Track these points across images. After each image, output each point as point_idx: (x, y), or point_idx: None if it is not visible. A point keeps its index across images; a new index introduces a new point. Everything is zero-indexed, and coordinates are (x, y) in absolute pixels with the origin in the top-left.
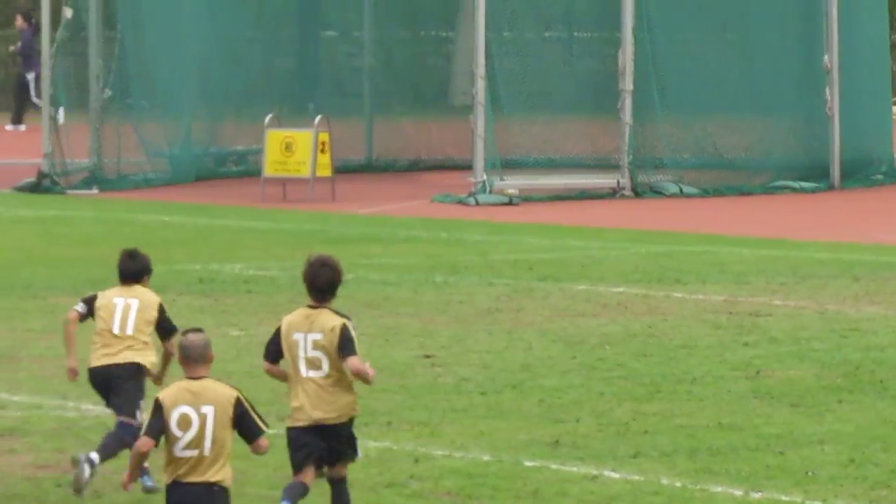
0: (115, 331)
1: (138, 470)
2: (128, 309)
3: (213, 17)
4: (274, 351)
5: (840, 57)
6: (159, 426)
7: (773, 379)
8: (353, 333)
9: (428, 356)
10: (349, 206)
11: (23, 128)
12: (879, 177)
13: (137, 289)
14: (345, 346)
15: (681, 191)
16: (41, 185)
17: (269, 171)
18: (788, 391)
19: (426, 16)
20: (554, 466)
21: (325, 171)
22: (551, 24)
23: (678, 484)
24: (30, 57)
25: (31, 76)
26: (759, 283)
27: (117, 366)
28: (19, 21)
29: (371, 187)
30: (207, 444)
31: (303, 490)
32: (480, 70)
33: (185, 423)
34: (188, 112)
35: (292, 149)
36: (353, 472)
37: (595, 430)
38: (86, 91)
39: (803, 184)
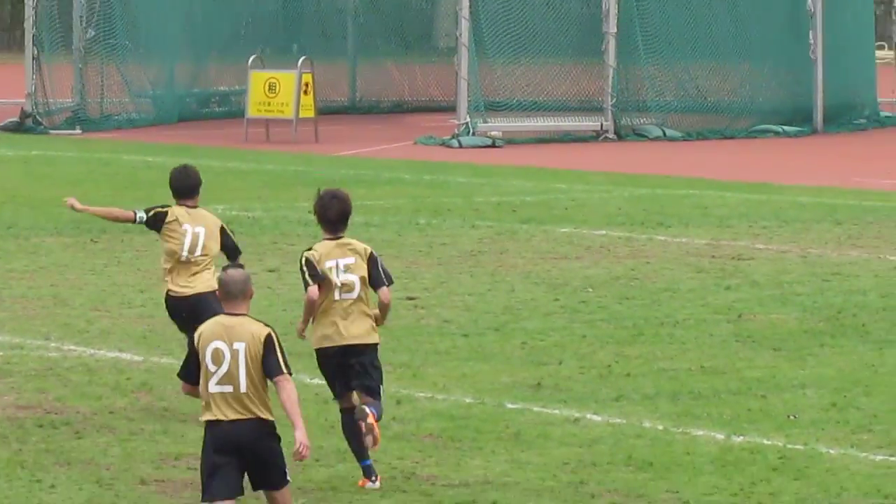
0: (183, 255)
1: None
2: (196, 237)
3: None
4: (317, 273)
5: (824, 1)
6: (195, 367)
7: (756, 323)
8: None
9: (411, 298)
10: (332, 148)
11: None
12: (862, 121)
13: (201, 214)
14: (379, 274)
15: (664, 134)
16: (24, 125)
17: (252, 112)
18: (771, 335)
19: None
20: (536, 409)
21: (308, 113)
22: None
23: (660, 427)
24: None
25: None
26: (741, 226)
27: (205, 293)
28: None
29: (354, 129)
30: (241, 380)
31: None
32: (465, 11)
33: (217, 357)
34: (172, 52)
35: (276, 90)
36: (334, 415)
37: (577, 373)
38: (69, 31)
39: (786, 128)
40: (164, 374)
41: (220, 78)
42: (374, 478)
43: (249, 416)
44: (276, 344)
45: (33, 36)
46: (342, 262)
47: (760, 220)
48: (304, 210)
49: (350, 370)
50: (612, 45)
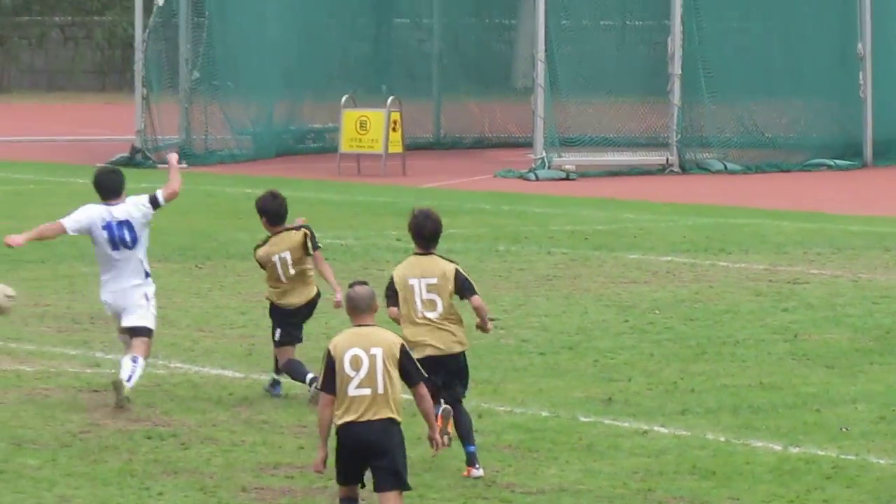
0: (284, 280)
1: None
2: (285, 262)
3: (293, 4)
4: (394, 296)
5: (872, 44)
6: (333, 377)
7: (810, 342)
8: (467, 275)
9: (491, 319)
10: (419, 180)
11: None
12: None
13: (285, 238)
14: (466, 287)
15: (725, 167)
16: (134, 160)
17: (344, 147)
18: (824, 353)
19: (491, 4)
20: (607, 422)
21: (396, 148)
22: (606, 12)
23: (722, 439)
24: None
25: None
26: (797, 253)
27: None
28: None
29: (439, 163)
30: (380, 382)
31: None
32: (541, 55)
33: (356, 363)
34: (270, 93)
35: (366, 127)
36: (421, 428)
37: (645, 389)
38: (176, 73)
39: (838, 162)
40: (264, 389)
41: (315, 116)
42: (477, 465)
43: (383, 416)
44: (410, 352)
45: (143, 78)
46: (424, 280)
47: (814, 248)
48: (392, 238)
49: (438, 377)
50: (676, 86)
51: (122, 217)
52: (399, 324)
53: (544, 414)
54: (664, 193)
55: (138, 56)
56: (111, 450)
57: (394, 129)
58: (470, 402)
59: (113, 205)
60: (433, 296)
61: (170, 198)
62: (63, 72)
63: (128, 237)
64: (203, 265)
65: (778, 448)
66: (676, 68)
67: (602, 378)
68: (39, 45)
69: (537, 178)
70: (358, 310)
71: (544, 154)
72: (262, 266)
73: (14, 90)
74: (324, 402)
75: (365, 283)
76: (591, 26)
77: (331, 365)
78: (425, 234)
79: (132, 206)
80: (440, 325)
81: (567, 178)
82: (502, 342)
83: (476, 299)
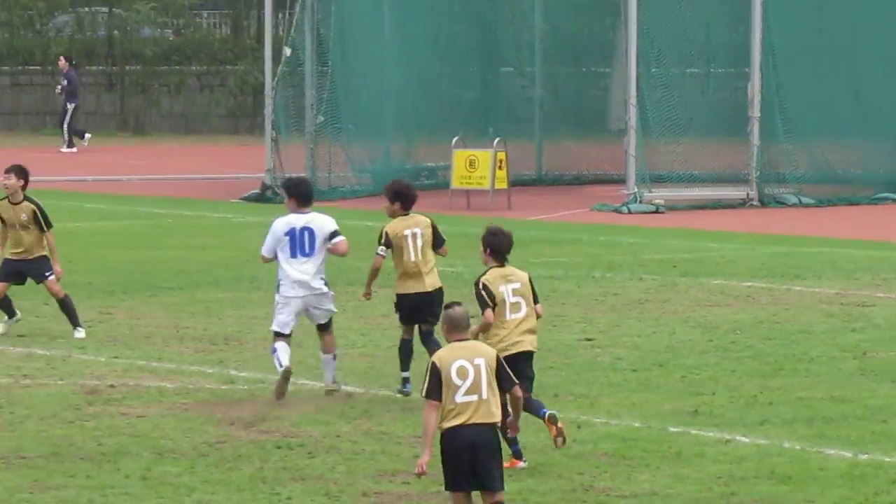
0: (412, 258)
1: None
2: (415, 238)
3: (409, 55)
4: (492, 300)
5: None
6: (438, 386)
7: (878, 359)
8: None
9: (588, 339)
10: (523, 214)
11: (75, 150)
12: None
13: (412, 218)
14: (535, 293)
15: (800, 201)
16: (264, 196)
17: (455, 184)
18: (890, 369)
19: (587, 55)
20: (693, 432)
21: (502, 185)
22: (692, 61)
23: (798, 447)
24: (74, 92)
25: (71, 106)
26: (865, 278)
27: (433, 292)
28: (62, 62)
29: (541, 198)
30: (484, 388)
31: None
32: (633, 100)
33: (462, 372)
34: (388, 134)
35: (475, 165)
36: (524, 438)
37: (728, 402)
38: (302, 117)
39: None
40: (383, 403)
41: (428, 156)
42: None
43: (485, 420)
44: (503, 361)
45: (272, 121)
46: (510, 287)
47: (881, 273)
48: None
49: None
50: (756, 127)
51: (306, 223)
52: (487, 328)
53: (637, 425)
54: (744, 225)
55: (268, 101)
56: (244, 458)
57: (500, 168)
58: (569, 415)
59: (303, 213)
60: (518, 298)
61: (337, 248)
62: (199, 116)
63: (307, 244)
64: None
65: (848, 455)
66: (756, 111)
67: (689, 392)
68: (178, 92)
69: (630, 212)
70: (460, 327)
71: (636, 189)
72: (389, 243)
73: (154, 133)
74: (429, 409)
75: (460, 304)
76: (679, 74)
77: (436, 374)
78: (503, 249)
79: (318, 219)
80: (522, 326)
81: (657, 212)
82: (598, 360)
83: (541, 308)
